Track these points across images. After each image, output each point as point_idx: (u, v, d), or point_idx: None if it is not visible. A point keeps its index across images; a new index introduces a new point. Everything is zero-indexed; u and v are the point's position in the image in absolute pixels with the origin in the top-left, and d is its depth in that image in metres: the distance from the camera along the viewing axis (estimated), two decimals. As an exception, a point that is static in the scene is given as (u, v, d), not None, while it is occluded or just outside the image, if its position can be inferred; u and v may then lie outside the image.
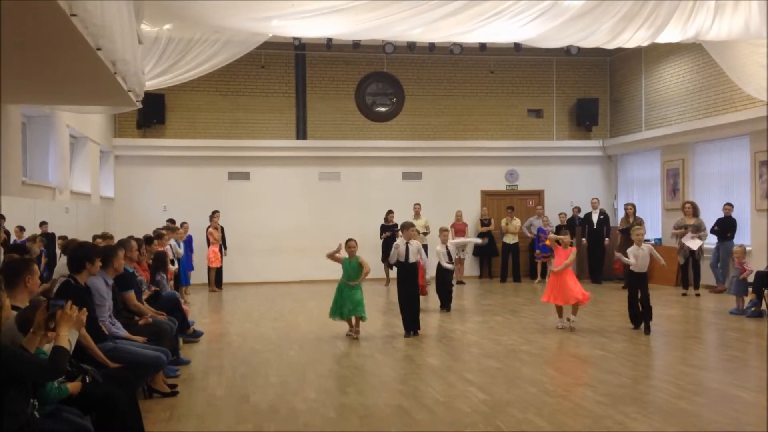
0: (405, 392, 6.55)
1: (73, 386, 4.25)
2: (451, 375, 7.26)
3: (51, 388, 4.03)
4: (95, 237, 9.91)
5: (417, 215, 16.22)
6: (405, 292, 9.69)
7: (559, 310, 9.99)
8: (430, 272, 12.35)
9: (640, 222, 15.00)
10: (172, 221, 14.47)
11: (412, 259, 9.58)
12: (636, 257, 9.57)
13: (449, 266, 11.64)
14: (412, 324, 9.52)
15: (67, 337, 3.88)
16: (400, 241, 9.81)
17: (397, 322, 10.27)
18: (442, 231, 12.12)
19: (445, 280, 11.84)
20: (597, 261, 16.12)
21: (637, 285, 9.63)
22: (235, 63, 13.24)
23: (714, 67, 13.93)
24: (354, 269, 9.31)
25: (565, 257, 9.77)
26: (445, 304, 11.88)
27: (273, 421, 5.71)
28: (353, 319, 9.45)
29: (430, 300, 12.37)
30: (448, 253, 11.76)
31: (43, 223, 9.68)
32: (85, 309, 4.16)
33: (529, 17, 9.81)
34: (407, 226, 9.86)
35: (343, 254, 9.42)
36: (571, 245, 10.19)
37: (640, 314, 9.59)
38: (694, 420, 5.58)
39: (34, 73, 7.02)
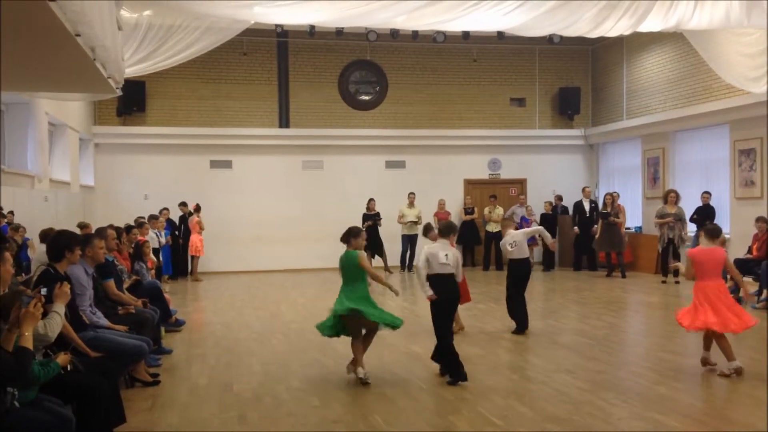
0: (388, 380, 6.59)
1: (63, 359, 4.19)
2: (433, 362, 7.28)
3: (36, 370, 3.92)
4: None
5: (411, 204, 16.26)
6: (443, 316, 6.64)
7: (709, 341, 6.72)
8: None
9: (618, 212, 15.07)
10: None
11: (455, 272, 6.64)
12: None
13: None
14: (456, 360, 6.46)
15: (31, 337, 3.78)
16: (438, 247, 6.65)
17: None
18: (505, 220, 9.18)
19: (522, 282, 8.91)
20: (587, 249, 16.01)
21: None
22: (217, 50, 13.13)
23: (695, 57, 14.03)
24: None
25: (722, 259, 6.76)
26: (522, 322, 8.79)
27: (256, 409, 5.71)
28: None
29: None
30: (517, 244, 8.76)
31: (10, 212, 9.41)
32: (66, 282, 4.09)
33: (512, 6, 9.82)
34: (449, 229, 6.96)
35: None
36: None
37: None
38: (672, 404, 5.67)
39: (11, 60, 6.90)
